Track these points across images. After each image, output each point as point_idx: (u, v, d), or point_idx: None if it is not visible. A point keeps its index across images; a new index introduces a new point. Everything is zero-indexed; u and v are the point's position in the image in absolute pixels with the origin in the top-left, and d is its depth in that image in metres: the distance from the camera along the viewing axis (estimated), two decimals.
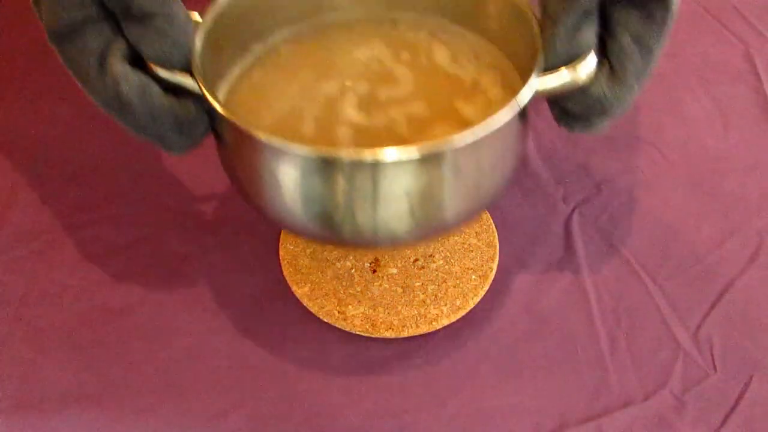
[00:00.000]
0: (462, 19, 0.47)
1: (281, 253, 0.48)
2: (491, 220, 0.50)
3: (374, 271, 0.47)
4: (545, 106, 0.41)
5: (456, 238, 0.49)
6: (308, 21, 0.47)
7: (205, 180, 0.52)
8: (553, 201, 0.52)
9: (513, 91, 0.41)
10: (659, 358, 0.45)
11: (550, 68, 0.39)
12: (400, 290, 0.47)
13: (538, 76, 0.39)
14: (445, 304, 0.46)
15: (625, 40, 0.40)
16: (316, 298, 0.46)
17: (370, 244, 0.42)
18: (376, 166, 0.36)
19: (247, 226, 0.50)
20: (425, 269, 0.48)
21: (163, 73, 0.39)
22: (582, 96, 0.40)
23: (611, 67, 0.40)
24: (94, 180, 0.51)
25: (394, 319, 0.45)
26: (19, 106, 0.56)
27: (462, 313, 0.46)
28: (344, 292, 0.46)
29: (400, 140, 0.41)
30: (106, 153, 0.54)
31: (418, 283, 0.47)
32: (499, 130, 0.37)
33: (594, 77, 0.40)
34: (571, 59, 0.39)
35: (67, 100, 0.56)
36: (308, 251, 0.48)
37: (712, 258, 0.49)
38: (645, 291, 0.47)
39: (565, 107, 0.41)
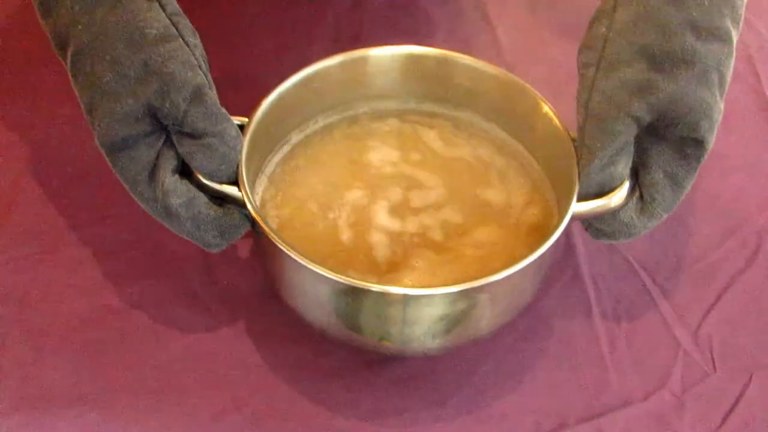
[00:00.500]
0: (500, 122, 0.48)
1: None
2: None
3: None
4: None
5: None
6: (342, 111, 0.49)
7: None
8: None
9: (542, 198, 0.44)
10: (659, 357, 0.45)
11: (583, 193, 0.40)
12: None
13: (575, 204, 0.40)
14: None
15: (658, 175, 0.40)
16: None
17: (398, 355, 0.44)
18: (407, 297, 0.38)
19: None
20: None
21: (211, 185, 0.40)
22: (611, 219, 0.41)
23: (641, 197, 0.41)
24: (94, 180, 0.51)
25: None
26: (19, 106, 0.56)
27: None
28: None
29: (433, 246, 0.43)
30: None
31: None
32: (536, 259, 0.38)
33: (624, 202, 0.41)
34: (602, 188, 0.40)
35: (67, 100, 0.56)
36: None
37: (712, 258, 0.49)
38: (645, 291, 0.47)
39: (592, 223, 0.42)
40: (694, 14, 0.40)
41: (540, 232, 0.43)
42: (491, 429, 0.42)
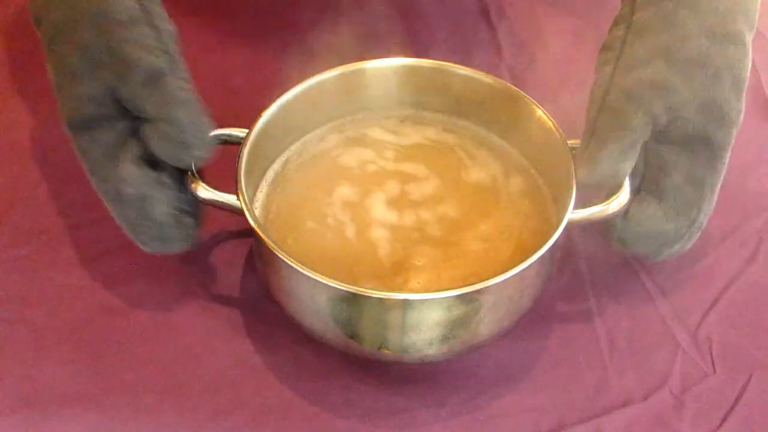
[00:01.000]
0: (497, 130, 0.49)
1: None
2: None
3: None
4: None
5: None
6: (341, 121, 0.49)
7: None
8: None
9: (541, 199, 0.45)
10: (658, 357, 0.45)
11: (584, 183, 0.40)
12: None
13: (572, 211, 0.40)
14: None
15: (678, 178, 0.41)
16: None
17: (397, 362, 0.44)
18: (407, 302, 0.38)
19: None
20: None
21: (210, 194, 0.41)
22: (645, 237, 0.42)
23: (665, 201, 0.41)
24: None
25: None
26: (19, 106, 0.56)
27: None
28: None
29: (431, 241, 0.43)
30: None
31: None
32: (535, 261, 0.39)
33: (651, 214, 0.41)
34: (602, 183, 0.40)
35: None
36: None
37: (711, 258, 0.49)
38: (645, 291, 0.47)
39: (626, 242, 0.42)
40: (709, 19, 0.40)
41: (538, 238, 0.43)
42: (491, 429, 0.42)
